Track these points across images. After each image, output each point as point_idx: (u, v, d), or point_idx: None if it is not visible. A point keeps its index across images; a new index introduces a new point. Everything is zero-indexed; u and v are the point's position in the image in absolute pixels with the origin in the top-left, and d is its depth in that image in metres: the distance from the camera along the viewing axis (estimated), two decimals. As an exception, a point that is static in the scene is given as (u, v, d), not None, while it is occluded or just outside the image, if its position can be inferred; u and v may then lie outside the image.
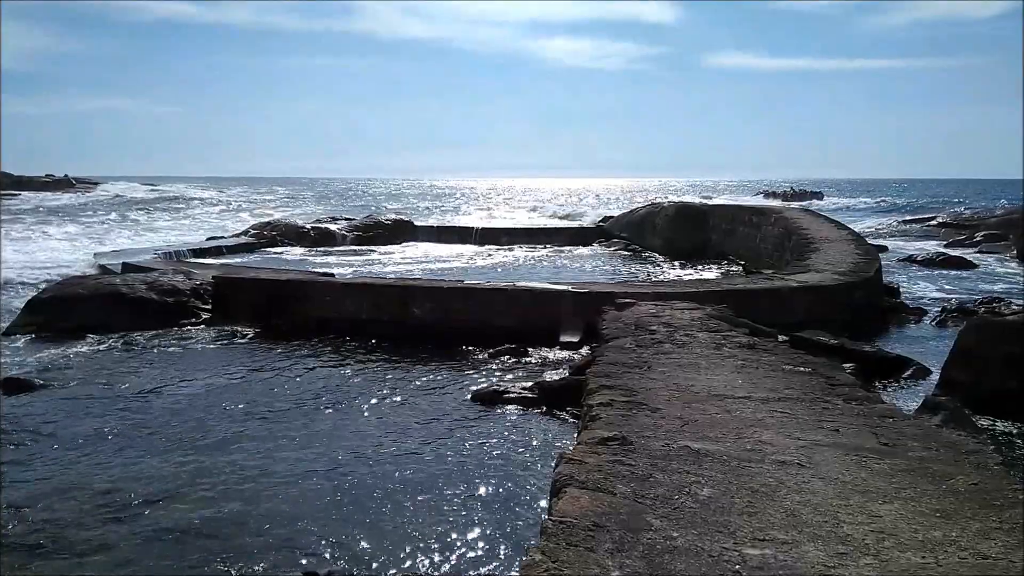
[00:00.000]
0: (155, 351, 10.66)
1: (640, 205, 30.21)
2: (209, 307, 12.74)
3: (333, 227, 27.63)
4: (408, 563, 4.90)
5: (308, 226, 27.63)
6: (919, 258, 21.76)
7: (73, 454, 6.73)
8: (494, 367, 9.84)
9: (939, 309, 13.53)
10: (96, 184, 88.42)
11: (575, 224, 31.71)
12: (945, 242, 28.20)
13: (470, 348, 10.56)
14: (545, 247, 26.38)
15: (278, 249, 24.52)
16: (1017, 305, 13.16)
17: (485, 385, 8.84)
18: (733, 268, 19.99)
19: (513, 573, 4.58)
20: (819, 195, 73.15)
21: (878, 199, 69.97)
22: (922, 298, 15.21)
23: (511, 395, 8.31)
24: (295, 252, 24.07)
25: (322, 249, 24.88)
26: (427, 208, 34.52)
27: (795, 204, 46.82)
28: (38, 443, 6.98)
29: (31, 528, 5.32)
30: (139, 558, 4.93)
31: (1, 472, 6.28)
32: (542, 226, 32.16)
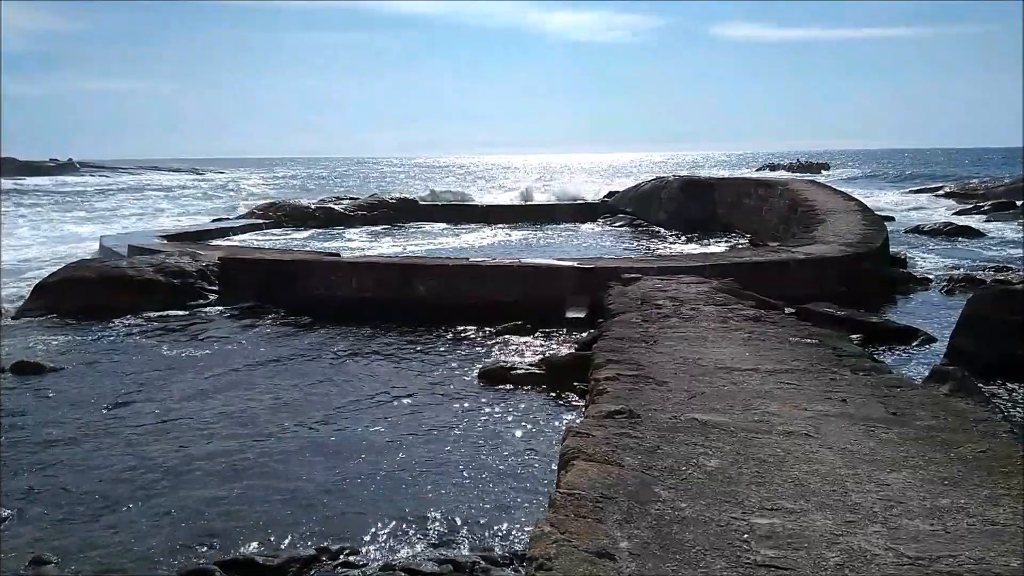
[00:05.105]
0: (163, 333, 10.70)
1: (646, 180, 30.06)
2: (216, 288, 12.77)
3: (338, 207, 27.57)
4: (417, 538, 4.94)
5: (313, 206, 27.58)
6: (926, 228, 21.61)
7: (85, 436, 6.77)
8: (500, 344, 9.86)
9: (947, 278, 13.47)
10: (102, 167, 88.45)
11: (580, 200, 31.56)
12: (953, 211, 28.03)
13: (476, 325, 10.57)
14: (550, 223, 26.31)
15: (283, 230, 24.51)
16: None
17: (492, 362, 8.86)
18: (740, 241, 19.92)
19: (523, 545, 4.61)
20: (825, 166, 72.72)
21: (885, 169, 69.52)
22: (929, 268, 15.14)
23: (518, 371, 8.32)
24: (300, 233, 24.06)
25: (327, 229, 24.85)
26: (433, 187, 34.52)
27: (801, 176, 46.57)
28: (50, 426, 7.03)
29: (45, 507, 5.38)
30: (151, 535, 4.98)
31: (14, 454, 6.33)
32: (547, 203, 32.03)
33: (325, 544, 4.83)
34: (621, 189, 31.96)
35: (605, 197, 30.66)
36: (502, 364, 8.64)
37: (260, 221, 25.19)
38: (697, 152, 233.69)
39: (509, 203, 31.64)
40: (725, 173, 51.26)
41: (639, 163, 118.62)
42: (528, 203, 31.58)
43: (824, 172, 63.69)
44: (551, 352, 9.24)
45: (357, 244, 21.36)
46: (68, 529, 5.10)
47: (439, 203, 30.47)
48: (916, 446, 3.62)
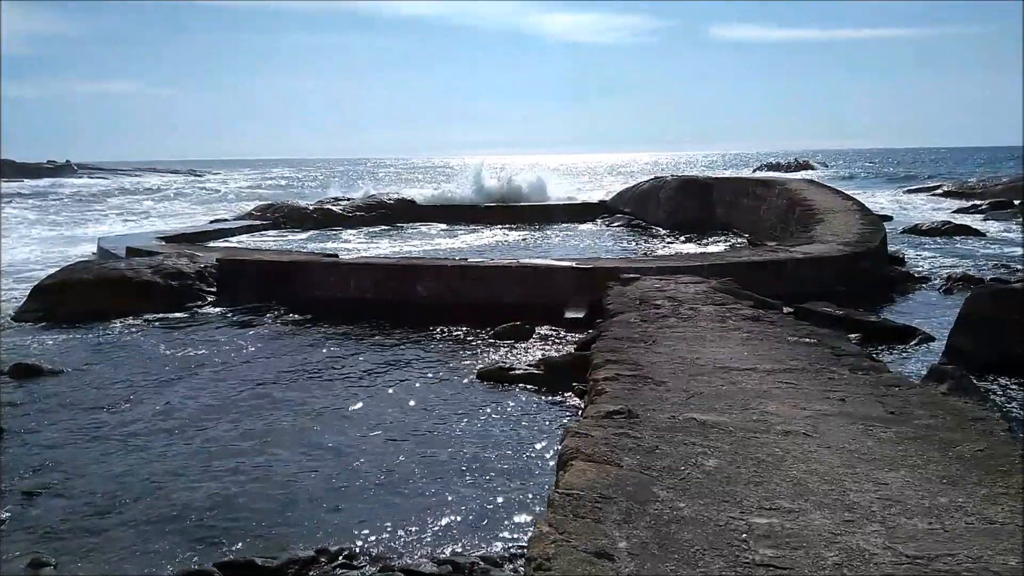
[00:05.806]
0: (161, 335, 10.69)
1: (644, 180, 30.06)
2: (214, 289, 12.77)
3: (336, 208, 27.55)
4: (416, 539, 4.94)
5: (311, 207, 27.55)
6: (924, 227, 21.59)
7: (83, 438, 6.78)
8: (499, 344, 9.86)
9: (945, 277, 13.48)
10: (99, 169, 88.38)
11: (578, 200, 31.56)
12: (950, 210, 28.05)
13: (474, 326, 10.56)
14: (548, 223, 26.30)
15: (281, 231, 24.49)
16: (1022, 272, 13.11)
17: (490, 362, 8.86)
18: (738, 241, 19.93)
19: (522, 545, 4.61)
20: (824, 165, 72.84)
21: (884, 169, 69.58)
22: (928, 267, 15.15)
23: (517, 372, 8.33)
24: (298, 234, 24.04)
25: (325, 230, 24.83)
26: (431, 186, 34.48)
27: (798, 175, 46.62)
28: (48, 428, 7.03)
29: (43, 509, 5.37)
30: (149, 537, 4.98)
31: (13, 457, 6.33)
32: (546, 203, 32.01)
33: (324, 545, 4.83)
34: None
35: (603, 197, 30.64)
36: (501, 364, 8.65)
37: (258, 222, 25.16)
38: (696, 152, 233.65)
39: (509, 203, 31.58)
40: (726, 173, 51.26)
41: (636, 163, 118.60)
42: (527, 203, 31.54)
43: (822, 171, 63.73)
44: (550, 352, 9.25)
45: (355, 245, 21.36)
46: (67, 531, 5.09)
47: (436, 203, 30.42)
48: (914, 445, 3.62)
